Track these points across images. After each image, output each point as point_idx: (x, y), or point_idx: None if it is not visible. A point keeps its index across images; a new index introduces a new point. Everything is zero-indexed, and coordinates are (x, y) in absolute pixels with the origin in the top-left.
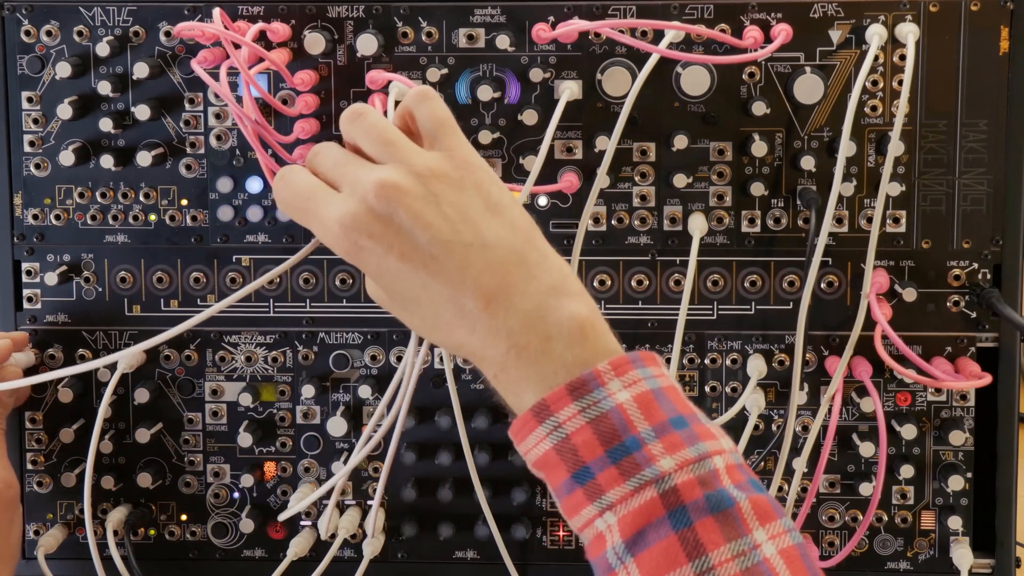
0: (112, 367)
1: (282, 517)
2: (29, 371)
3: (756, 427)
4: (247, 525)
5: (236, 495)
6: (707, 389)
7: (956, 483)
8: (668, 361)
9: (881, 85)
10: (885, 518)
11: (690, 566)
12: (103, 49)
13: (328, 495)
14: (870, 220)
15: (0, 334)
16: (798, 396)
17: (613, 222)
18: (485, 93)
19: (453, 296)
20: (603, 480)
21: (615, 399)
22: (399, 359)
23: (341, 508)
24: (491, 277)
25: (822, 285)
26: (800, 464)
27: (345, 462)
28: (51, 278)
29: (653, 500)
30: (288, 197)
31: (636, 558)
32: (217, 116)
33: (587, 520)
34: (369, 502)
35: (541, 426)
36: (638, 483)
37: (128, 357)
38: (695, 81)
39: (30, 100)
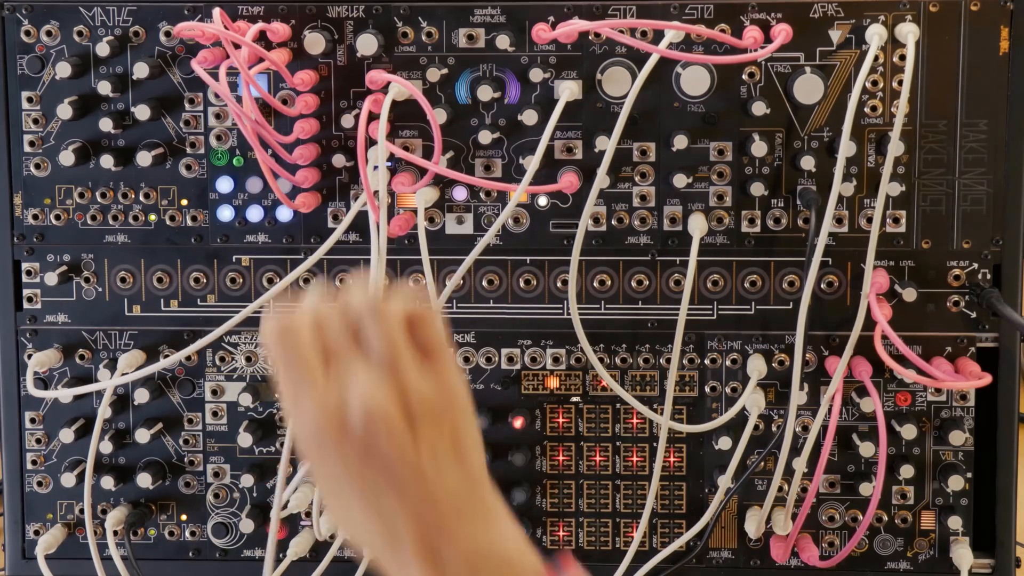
0: (112, 367)
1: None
2: None
3: (756, 427)
4: (247, 525)
5: (236, 495)
6: (707, 389)
7: (956, 483)
8: (668, 361)
9: (881, 85)
10: (885, 518)
11: None
12: (103, 49)
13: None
14: (870, 220)
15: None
16: (798, 396)
17: (613, 222)
18: (485, 93)
19: (390, 527)
20: None
21: None
22: None
23: None
24: (432, 521)
25: (822, 285)
26: (800, 464)
27: None
28: (51, 278)
29: None
30: (281, 358)
31: None
32: (217, 116)
33: None
34: None
35: None
36: None
37: (127, 357)
38: (695, 81)
39: (30, 100)
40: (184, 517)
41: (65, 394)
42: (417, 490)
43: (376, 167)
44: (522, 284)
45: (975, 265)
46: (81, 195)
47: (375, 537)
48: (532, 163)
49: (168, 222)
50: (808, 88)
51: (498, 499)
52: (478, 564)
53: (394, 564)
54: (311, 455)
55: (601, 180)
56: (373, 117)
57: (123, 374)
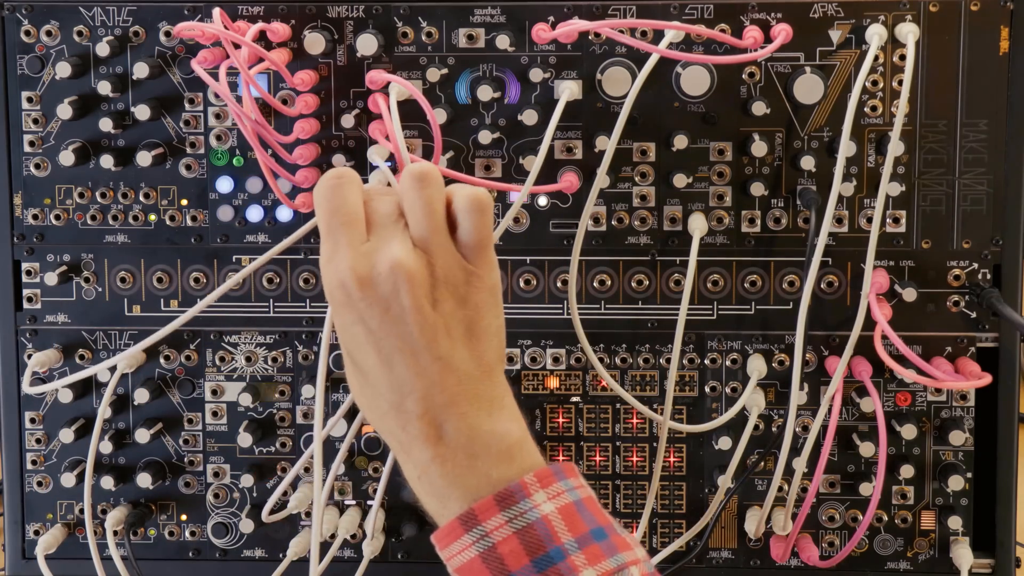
0: (112, 368)
1: (267, 519)
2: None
3: (756, 427)
4: (247, 525)
5: (236, 495)
6: (707, 389)
7: (956, 483)
8: (668, 361)
9: (881, 85)
10: (885, 518)
11: None
12: (103, 49)
13: (336, 496)
14: (870, 220)
15: None
16: (798, 396)
17: (613, 222)
18: (485, 93)
19: (399, 390)
20: None
21: (541, 510)
22: None
23: (341, 508)
24: (439, 393)
25: (822, 285)
26: (800, 464)
27: (346, 462)
28: (51, 278)
29: None
30: (332, 204)
31: None
32: (217, 116)
33: None
34: (369, 502)
35: (467, 534)
36: None
37: (127, 358)
38: (695, 81)
39: (30, 100)
40: (184, 517)
41: (62, 384)
42: (429, 357)
43: (381, 165)
44: (522, 284)
45: (975, 265)
46: (81, 195)
47: (383, 398)
48: (535, 164)
49: (168, 222)
50: (808, 88)
51: (508, 393)
52: (476, 444)
53: (397, 426)
54: (336, 307)
55: (601, 180)
56: (373, 117)
57: (123, 373)
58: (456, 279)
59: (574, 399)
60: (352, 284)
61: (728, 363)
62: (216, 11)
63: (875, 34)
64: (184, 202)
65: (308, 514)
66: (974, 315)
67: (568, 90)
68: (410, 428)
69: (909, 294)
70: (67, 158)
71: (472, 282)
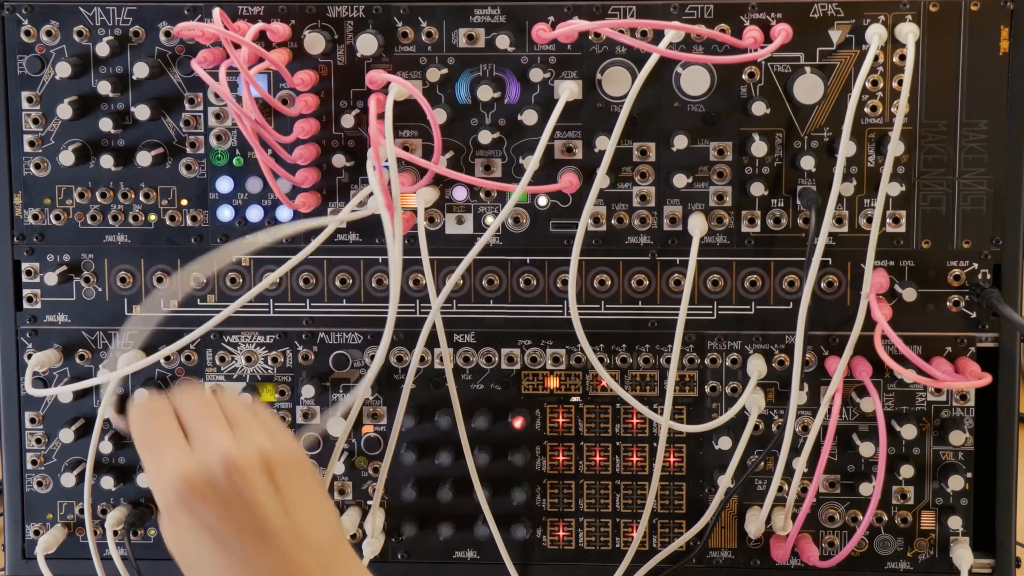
0: (112, 367)
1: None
2: None
3: (756, 427)
4: None
5: None
6: (707, 389)
7: (956, 483)
8: (668, 361)
9: (881, 85)
10: (885, 518)
11: None
12: (103, 49)
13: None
14: (870, 220)
15: None
16: (798, 396)
17: (613, 222)
18: (485, 93)
19: None
20: None
21: None
22: (399, 359)
23: (341, 508)
24: (299, 572)
25: (822, 285)
26: (800, 464)
27: (346, 462)
28: (51, 278)
29: None
30: (143, 430)
31: None
32: (217, 116)
33: None
34: (369, 502)
35: None
36: None
37: (131, 366)
38: (695, 81)
39: (30, 100)
40: None
41: (64, 391)
42: (283, 541)
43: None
44: (522, 284)
45: (975, 265)
46: (81, 195)
47: None
48: (531, 163)
49: (168, 222)
50: (808, 88)
51: (354, 554)
52: None
53: None
54: (175, 519)
55: (601, 180)
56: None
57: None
58: (283, 453)
59: (574, 399)
60: (189, 492)
61: (728, 363)
62: (216, 11)
63: (875, 34)
64: (184, 202)
65: None
66: (974, 315)
67: (568, 90)
68: None
69: (909, 294)
70: (67, 158)
71: (295, 451)
